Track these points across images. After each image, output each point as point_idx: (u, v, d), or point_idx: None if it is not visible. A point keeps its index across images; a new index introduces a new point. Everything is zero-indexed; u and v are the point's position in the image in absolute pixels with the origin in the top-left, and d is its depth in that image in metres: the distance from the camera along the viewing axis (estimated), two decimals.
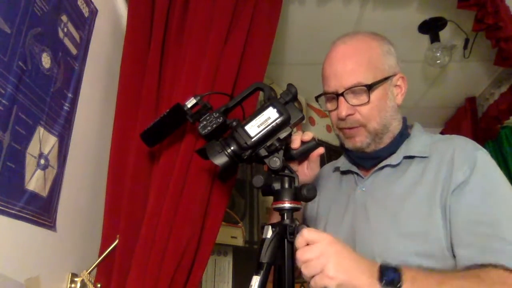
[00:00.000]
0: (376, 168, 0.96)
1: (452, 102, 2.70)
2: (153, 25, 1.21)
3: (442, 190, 0.84)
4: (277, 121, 0.82)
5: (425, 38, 2.03)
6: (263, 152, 0.82)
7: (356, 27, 1.99)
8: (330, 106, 0.96)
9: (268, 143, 0.82)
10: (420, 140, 0.95)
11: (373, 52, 0.93)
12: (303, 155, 0.91)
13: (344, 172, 1.07)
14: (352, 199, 0.98)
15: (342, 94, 0.90)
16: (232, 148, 0.82)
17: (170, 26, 1.21)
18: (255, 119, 0.82)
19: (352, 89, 0.89)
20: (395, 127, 0.97)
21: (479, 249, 0.77)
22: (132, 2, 1.24)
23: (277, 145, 0.82)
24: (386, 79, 0.92)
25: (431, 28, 1.97)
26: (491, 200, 0.81)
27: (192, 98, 0.92)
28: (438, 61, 2.03)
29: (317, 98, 1.01)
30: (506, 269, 0.73)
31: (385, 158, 0.96)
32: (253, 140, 0.81)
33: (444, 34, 1.99)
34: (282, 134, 0.83)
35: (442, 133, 2.93)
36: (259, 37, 1.21)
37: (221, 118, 0.87)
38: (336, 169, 1.10)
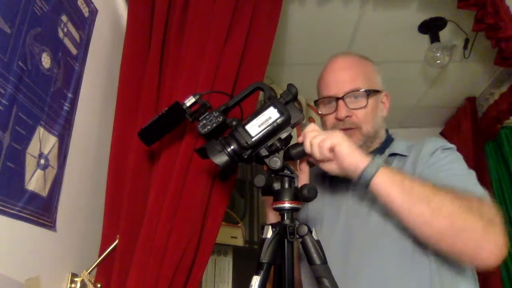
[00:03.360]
0: None
1: (452, 102, 2.70)
2: (153, 25, 1.21)
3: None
4: (277, 121, 0.82)
5: (425, 38, 2.03)
6: (263, 152, 0.82)
7: (356, 27, 2.00)
8: (327, 110, 1.05)
9: (269, 143, 0.82)
10: (402, 143, 1.06)
11: (367, 67, 1.07)
12: (301, 156, 0.90)
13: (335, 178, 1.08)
14: (344, 199, 1.02)
15: (342, 98, 1.00)
16: (232, 147, 0.82)
17: (170, 26, 1.21)
18: (256, 118, 0.82)
19: (352, 94, 1.00)
20: (382, 135, 1.08)
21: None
22: (132, 2, 1.24)
23: (278, 145, 0.82)
24: (377, 91, 1.05)
25: (431, 28, 1.97)
26: (450, 169, 0.92)
27: (191, 97, 0.91)
28: (438, 61, 2.03)
29: (315, 102, 1.09)
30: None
31: None
32: (253, 139, 0.81)
33: (444, 34, 1.99)
34: (283, 134, 0.83)
35: (442, 133, 2.93)
36: (259, 37, 1.21)
37: (221, 117, 0.86)
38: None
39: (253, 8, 1.21)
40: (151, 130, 0.96)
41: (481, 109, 2.60)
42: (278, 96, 0.87)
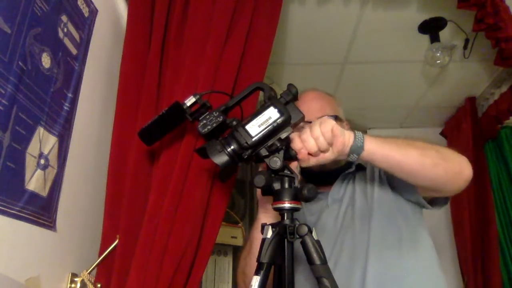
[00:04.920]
0: (338, 180, 1.20)
1: (452, 102, 2.70)
2: (153, 25, 1.21)
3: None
4: (278, 121, 0.82)
5: (425, 38, 2.03)
6: (263, 152, 0.82)
7: (356, 27, 2.00)
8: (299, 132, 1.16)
9: (269, 143, 0.82)
10: None
11: (332, 100, 1.25)
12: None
13: None
14: (324, 211, 1.16)
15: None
16: (232, 147, 0.82)
17: (170, 26, 1.21)
18: (256, 118, 0.82)
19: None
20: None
21: None
22: (132, 2, 1.24)
23: (278, 145, 0.82)
24: (341, 120, 1.20)
25: (431, 28, 1.97)
26: None
27: (192, 96, 0.91)
28: (438, 61, 2.03)
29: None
30: None
31: (343, 171, 1.21)
32: (253, 139, 0.81)
33: (444, 34, 1.99)
34: (283, 134, 0.83)
35: (442, 133, 2.93)
36: (259, 37, 1.21)
37: (221, 117, 0.86)
38: None
39: (253, 8, 1.21)
40: (151, 130, 0.96)
41: (481, 109, 2.60)
42: (278, 96, 0.87)
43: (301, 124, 1.11)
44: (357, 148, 0.88)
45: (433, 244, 1.12)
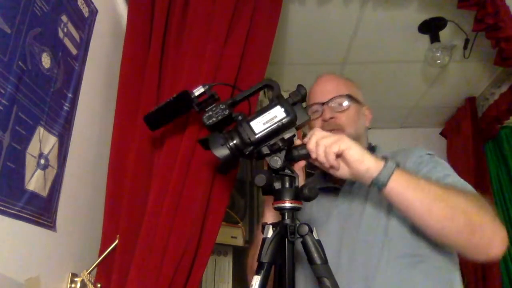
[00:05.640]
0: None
1: (452, 102, 2.70)
2: (153, 25, 1.21)
3: None
4: (283, 120, 0.81)
5: (425, 38, 2.04)
6: (265, 150, 0.82)
7: (356, 27, 2.00)
8: (314, 115, 1.12)
9: (271, 142, 0.81)
10: (385, 153, 1.07)
11: (350, 82, 1.18)
12: (304, 159, 0.90)
13: (321, 189, 1.08)
14: (335, 204, 1.06)
15: (327, 103, 1.09)
16: (235, 141, 0.81)
17: (170, 26, 1.21)
18: (261, 116, 0.82)
19: (336, 100, 1.10)
20: (363, 142, 1.12)
21: None
22: (132, 2, 1.24)
23: (280, 145, 0.81)
24: (359, 102, 1.13)
25: (431, 28, 1.97)
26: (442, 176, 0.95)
27: (201, 86, 0.90)
28: (438, 61, 2.04)
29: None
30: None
31: None
32: (256, 136, 0.80)
33: (444, 34, 2.00)
34: (286, 135, 0.82)
35: (442, 133, 2.93)
36: (259, 37, 1.21)
37: (227, 110, 0.85)
38: None
39: (253, 8, 1.21)
40: (157, 116, 0.94)
41: (481, 109, 2.60)
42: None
43: (315, 107, 1.10)
44: (378, 182, 0.81)
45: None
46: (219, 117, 0.85)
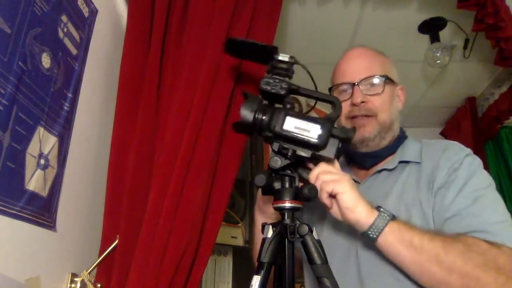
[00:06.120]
0: (374, 172, 1.00)
1: (452, 102, 2.70)
2: (153, 25, 1.21)
3: (426, 193, 0.89)
4: (311, 140, 0.78)
5: (425, 38, 2.04)
6: (275, 146, 0.81)
7: (356, 27, 2.00)
8: (342, 97, 0.99)
9: (285, 145, 0.80)
10: (414, 146, 0.99)
11: (384, 58, 1.05)
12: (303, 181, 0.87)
13: None
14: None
15: (358, 84, 0.97)
16: (263, 117, 0.80)
17: (170, 26, 1.21)
18: (300, 120, 0.80)
19: (368, 80, 0.97)
20: (397, 128, 1.03)
21: (462, 227, 0.81)
22: (132, 2, 1.24)
23: (289, 154, 0.80)
24: (394, 82, 1.02)
25: (431, 28, 1.97)
26: (473, 199, 0.84)
27: (288, 56, 0.87)
28: (438, 61, 2.04)
29: (330, 89, 1.06)
30: (483, 239, 0.77)
31: (384, 158, 1.00)
32: (279, 131, 0.79)
33: (444, 34, 2.00)
34: (301, 152, 0.80)
35: (442, 133, 2.93)
36: (259, 37, 1.21)
37: (284, 91, 0.82)
38: None
39: (253, 8, 1.21)
40: (238, 46, 0.92)
41: (481, 109, 2.60)
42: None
43: (344, 87, 0.99)
44: (368, 237, 0.78)
45: None
46: (273, 91, 0.82)
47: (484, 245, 0.76)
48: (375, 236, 0.77)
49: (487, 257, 0.74)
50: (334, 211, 0.83)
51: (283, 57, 0.86)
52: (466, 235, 0.79)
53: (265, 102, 0.84)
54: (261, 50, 0.89)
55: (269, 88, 0.82)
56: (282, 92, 0.82)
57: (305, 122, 0.79)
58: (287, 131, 0.79)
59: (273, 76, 0.84)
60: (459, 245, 0.76)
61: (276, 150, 0.81)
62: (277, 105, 0.85)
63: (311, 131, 0.78)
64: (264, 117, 0.80)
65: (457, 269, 0.73)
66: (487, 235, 0.78)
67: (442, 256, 0.74)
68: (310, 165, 0.85)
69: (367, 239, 0.79)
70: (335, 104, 0.85)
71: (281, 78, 0.84)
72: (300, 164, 0.84)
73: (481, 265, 0.73)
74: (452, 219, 0.83)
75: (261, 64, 0.91)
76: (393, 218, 0.79)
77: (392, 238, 0.77)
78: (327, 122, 0.79)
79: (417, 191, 0.90)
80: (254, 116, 0.80)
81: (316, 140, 0.78)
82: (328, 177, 0.80)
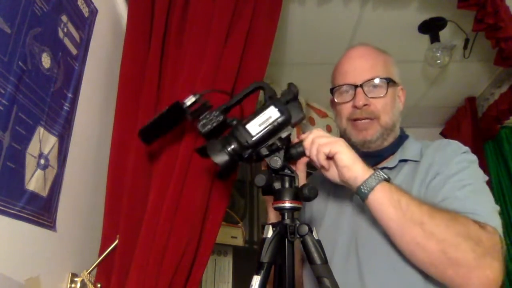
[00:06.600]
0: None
1: (452, 102, 2.70)
2: (153, 25, 1.21)
3: (419, 187, 0.90)
4: (278, 120, 0.81)
5: (425, 38, 2.04)
6: (264, 151, 0.82)
7: (356, 27, 2.00)
8: (343, 98, 1.00)
9: (269, 142, 0.82)
10: (414, 146, 1.01)
11: (387, 58, 1.03)
12: (301, 156, 0.90)
13: None
14: (349, 202, 0.99)
15: (361, 86, 0.96)
16: (233, 146, 0.81)
17: (170, 26, 1.21)
18: (256, 118, 0.82)
19: (371, 82, 0.97)
20: (398, 129, 1.03)
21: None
22: (132, 2, 1.24)
23: (278, 144, 0.82)
24: (396, 83, 1.01)
25: (431, 28, 1.97)
26: (461, 186, 0.86)
27: (192, 96, 0.90)
28: (438, 61, 2.04)
29: (331, 90, 1.05)
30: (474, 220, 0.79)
31: (385, 158, 1.01)
32: (254, 139, 0.80)
33: (444, 34, 2.00)
34: (283, 134, 0.82)
35: (442, 133, 2.93)
36: (259, 37, 1.21)
37: (221, 116, 0.86)
38: None
39: (253, 8, 1.21)
40: (151, 129, 0.95)
41: (481, 109, 2.60)
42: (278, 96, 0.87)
43: (345, 88, 0.98)
44: (362, 194, 0.80)
45: None
46: (214, 124, 0.85)
47: (470, 221, 0.78)
48: (366, 191, 0.79)
49: (470, 229, 0.76)
50: (331, 173, 0.85)
51: (189, 100, 0.90)
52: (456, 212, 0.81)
53: (220, 138, 0.85)
54: (170, 113, 0.92)
55: (209, 126, 0.86)
56: (221, 118, 0.86)
57: (261, 115, 0.82)
58: (257, 134, 0.81)
59: (201, 117, 0.87)
60: (445, 214, 0.78)
61: (268, 153, 0.81)
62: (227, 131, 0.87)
63: (272, 115, 0.81)
64: (233, 145, 0.81)
65: (438, 233, 0.75)
66: (474, 215, 0.80)
67: (426, 220, 0.76)
68: (295, 140, 0.88)
69: (360, 194, 0.81)
70: (262, 86, 0.89)
71: (206, 112, 0.87)
72: (289, 146, 0.87)
73: (462, 235, 0.75)
74: (441, 203, 0.84)
75: (183, 121, 0.94)
76: (387, 180, 0.81)
77: (381, 195, 0.79)
78: (272, 99, 0.84)
79: (412, 185, 0.92)
80: (226, 152, 0.80)
81: (282, 115, 0.81)
82: (324, 140, 0.83)
